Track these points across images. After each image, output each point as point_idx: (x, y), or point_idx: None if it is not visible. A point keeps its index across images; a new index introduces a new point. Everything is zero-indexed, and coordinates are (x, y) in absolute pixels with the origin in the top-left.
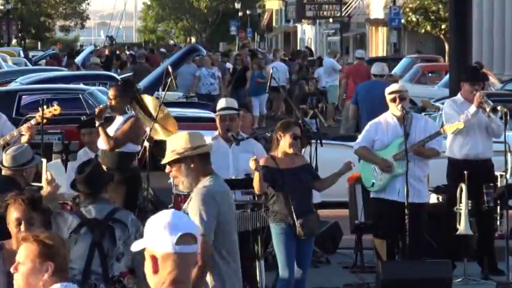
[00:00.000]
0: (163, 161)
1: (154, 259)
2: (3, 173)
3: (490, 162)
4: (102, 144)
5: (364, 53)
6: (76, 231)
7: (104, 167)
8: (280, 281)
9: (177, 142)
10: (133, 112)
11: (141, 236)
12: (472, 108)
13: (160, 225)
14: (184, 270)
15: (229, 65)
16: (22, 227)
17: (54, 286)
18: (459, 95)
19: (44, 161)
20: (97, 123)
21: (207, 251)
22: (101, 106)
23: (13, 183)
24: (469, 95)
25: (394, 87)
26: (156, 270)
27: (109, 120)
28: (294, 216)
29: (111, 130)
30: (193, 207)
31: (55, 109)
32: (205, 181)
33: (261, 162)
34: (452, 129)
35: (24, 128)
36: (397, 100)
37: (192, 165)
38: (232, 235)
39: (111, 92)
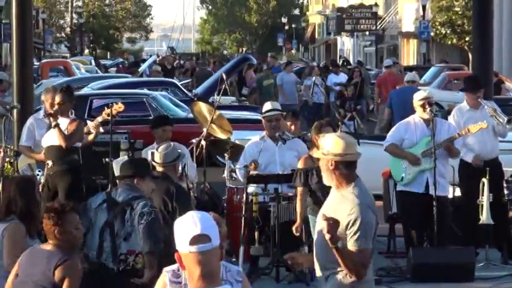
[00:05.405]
0: (315, 155)
1: (179, 258)
2: (156, 169)
3: (498, 160)
4: (53, 141)
5: (390, 61)
6: (99, 206)
7: (51, 160)
8: None
9: (327, 143)
10: (74, 115)
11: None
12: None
13: (178, 228)
14: (207, 265)
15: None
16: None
17: None
18: (465, 102)
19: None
20: (53, 124)
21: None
22: (55, 109)
23: (166, 178)
24: (474, 102)
25: (423, 94)
26: (183, 267)
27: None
28: None
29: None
30: (351, 215)
31: (119, 107)
32: (351, 189)
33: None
34: (476, 129)
35: (91, 125)
36: (426, 105)
37: (330, 167)
38: None
39: (59, 98)
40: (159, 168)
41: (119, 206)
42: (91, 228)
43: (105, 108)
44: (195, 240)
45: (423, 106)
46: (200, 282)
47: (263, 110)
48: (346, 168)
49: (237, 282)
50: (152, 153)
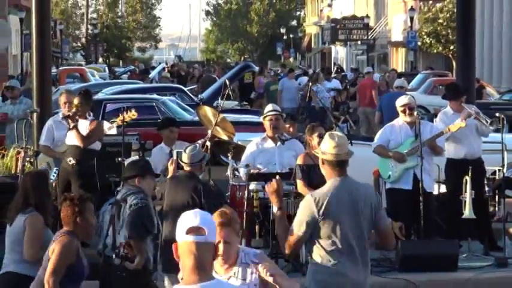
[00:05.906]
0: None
1: (175, 248)
2: (184, 169)
3: (481, 159)
4: (73, 140)
5: (371, 68)
6: (106, 209)
7: (72, 159)
8: None
9: (322, 142)
10: (92, 117)
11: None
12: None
13: (180, 220)
14: (199, 257)
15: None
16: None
17: None
18: (448, 107)
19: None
20: (71, 125)
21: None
22: (73, 111)
23: (193, 176)
24: (457, 107)
25: (403, 100)
26: (178, 258)
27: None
28: None
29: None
30: None
31: (133, 114)
32: (326, 183)
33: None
34: (456, 127)
35: (105, 128)
36: (407, 110)
37: (322, 164)
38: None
39: (77, 100)
40: (187, 168)
41: (118, 203)
42: (100, 230)
43: (120, 114)
44: (192, 230)
45: (404, 111)
46: (192, 274)
47: (264, 111)
48: (331, 166)
49: (253, 263)
50: (179, 153)
